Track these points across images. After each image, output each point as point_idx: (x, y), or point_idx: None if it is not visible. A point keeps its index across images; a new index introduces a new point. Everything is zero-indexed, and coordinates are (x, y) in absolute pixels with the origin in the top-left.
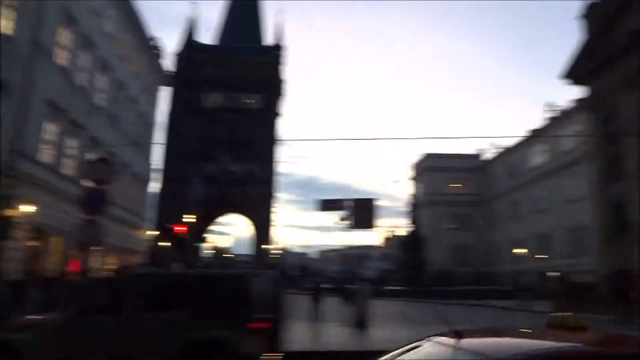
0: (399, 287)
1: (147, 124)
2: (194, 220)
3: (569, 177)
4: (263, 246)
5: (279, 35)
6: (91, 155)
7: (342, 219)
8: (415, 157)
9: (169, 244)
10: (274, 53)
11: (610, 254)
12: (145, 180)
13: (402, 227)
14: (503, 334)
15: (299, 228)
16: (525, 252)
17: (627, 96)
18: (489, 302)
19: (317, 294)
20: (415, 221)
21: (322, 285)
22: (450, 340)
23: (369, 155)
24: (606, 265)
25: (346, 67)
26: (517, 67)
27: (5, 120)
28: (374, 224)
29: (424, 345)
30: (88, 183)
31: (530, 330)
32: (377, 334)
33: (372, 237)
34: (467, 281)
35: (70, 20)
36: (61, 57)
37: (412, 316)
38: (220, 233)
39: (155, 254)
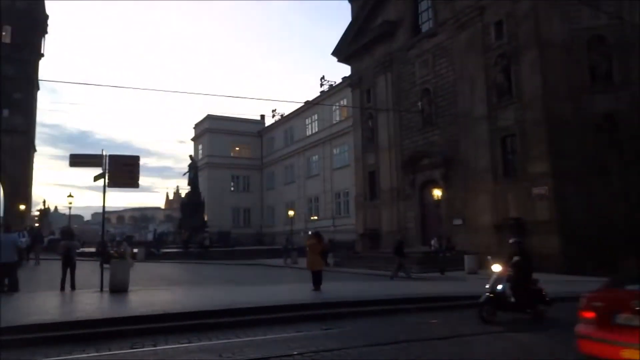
0: (175, 250)
1: None
2: None
3: (338, 147)
4: (19, 206)
5: None
6: None
7: (98, 177)
8: (200, 117)
9: None
10: None
11: (364, 216)
12: None
13: (185, 189)
14: None
15: (71, 187)
16: (293, 214)
17: (380, 78)
18: (262, 261)
19: (67, 259)
20: (194, 183)
21: (79, 250)
22: None
23: (153, 113)
24: (361, 225)
25: (129, 13)
26: (308, 43)
27: None
28: (135, 182)
29: None
30: None
31: None
32: (134, 299)
33: (156, 199)
34: (248, 242)
35: None
36: None
37: (180, 278)
38: None
39: None
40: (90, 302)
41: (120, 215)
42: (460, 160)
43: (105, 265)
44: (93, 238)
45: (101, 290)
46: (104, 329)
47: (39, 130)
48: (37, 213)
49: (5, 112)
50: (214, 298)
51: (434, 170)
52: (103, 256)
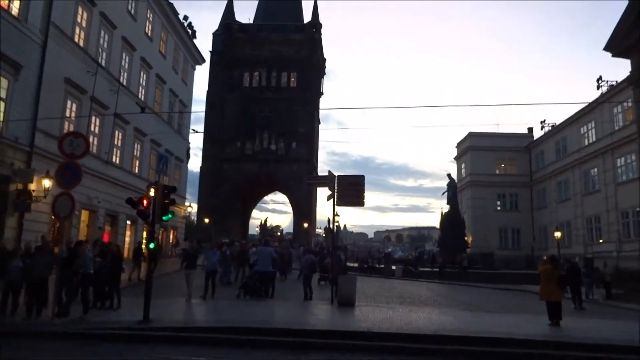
0: (431, 269)
1: (182, 103)
2: (157, 193)
3: (622, 157)
4: (304, 224)
5: (315, 12)
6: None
7: (330, 197)
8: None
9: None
10: (311, 31)
11: None
12: (181, 159)
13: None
14: None
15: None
16: (560, 236)
17: None
18: (527, 287)
19: (305, 274)
20: (453, 202)
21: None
22: None
23: (428, 135)
24: None
25: (392, 45)
26: (577, 46)
27: (24, 98)
28: (360, 201)
29: None
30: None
31: None
32: (354, 313)
33: (431, 219)
34: (518, 264)
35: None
36: (79, 37)
37: (417, 297)
38: (274, 210)
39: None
40: (315, 312)
41: (399, 233)
42: None
43: None
44: (363, 254)
45: (332, 302)
46: (312, 340)
47: (330, 158)
48: (321, 231)
49: (293, 145)
50: (432, 321)
51: None
52: (326, 271)
